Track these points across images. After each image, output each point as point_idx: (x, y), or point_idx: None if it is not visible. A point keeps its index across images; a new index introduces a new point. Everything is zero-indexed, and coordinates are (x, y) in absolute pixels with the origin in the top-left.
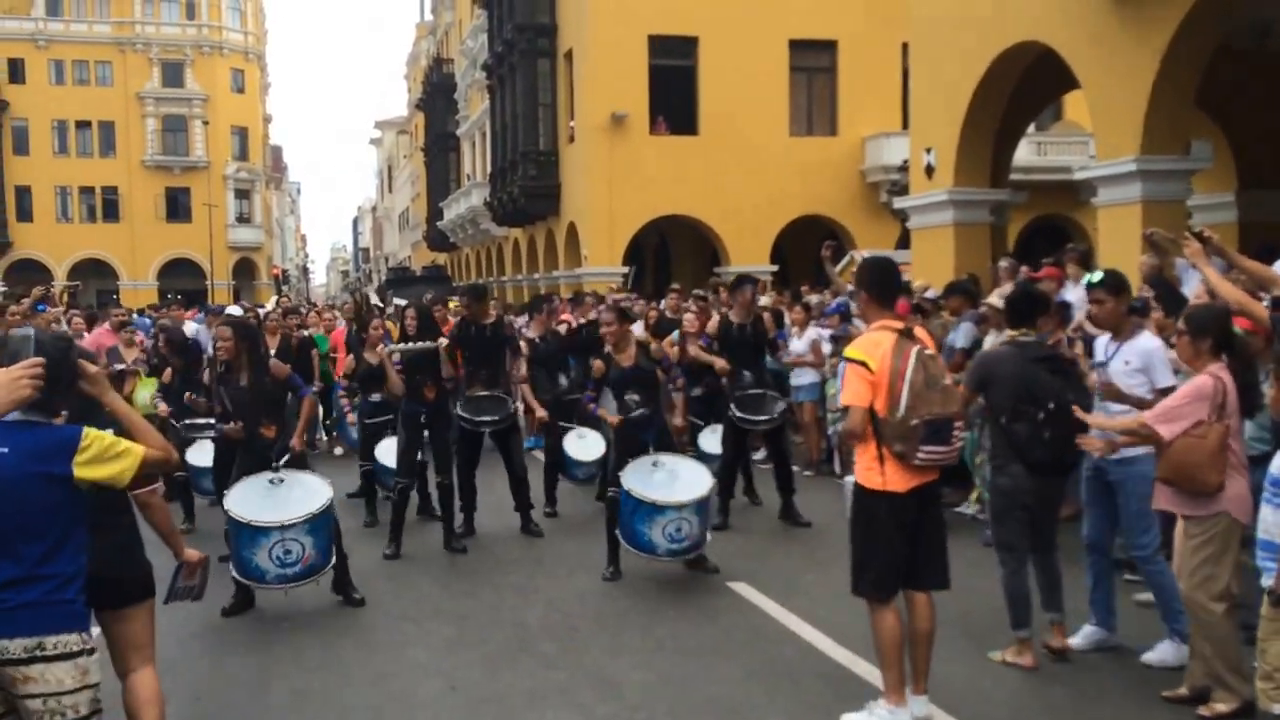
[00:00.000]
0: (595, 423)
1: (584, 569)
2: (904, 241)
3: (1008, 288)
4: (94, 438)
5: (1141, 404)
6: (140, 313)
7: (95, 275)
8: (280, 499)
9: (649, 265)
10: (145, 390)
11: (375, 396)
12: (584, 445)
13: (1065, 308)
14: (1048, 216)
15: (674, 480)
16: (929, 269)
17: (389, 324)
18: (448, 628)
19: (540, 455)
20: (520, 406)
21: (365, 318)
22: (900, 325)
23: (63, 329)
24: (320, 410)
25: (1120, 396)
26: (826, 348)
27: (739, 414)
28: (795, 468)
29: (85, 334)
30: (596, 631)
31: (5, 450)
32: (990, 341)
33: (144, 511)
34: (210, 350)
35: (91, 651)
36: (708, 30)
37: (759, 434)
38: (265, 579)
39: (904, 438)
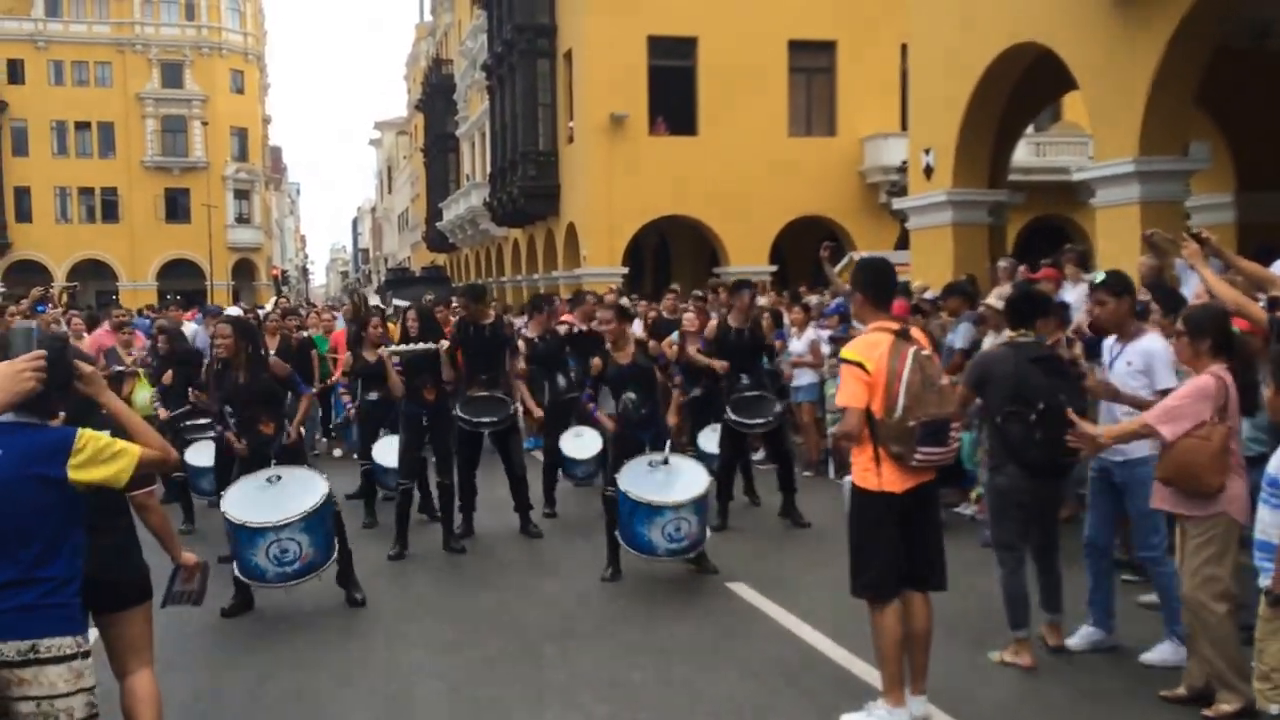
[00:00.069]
0: (593, 421)
1: (583, 570)
2: (903, 242)
3: (1006, 288)
4: (89, 439)
5: (1139, 405)
6: (140, 313)
7: (95, 276)
8: (278, 497)
9: (648, 266)
10: (144, 391)
11: (373, 395)
12: (581, 444)
13: (1064, 308)
14: (1046, 217)
15: (672, 480)
16: (928, 270)
17: (390, 325)
18: (447, 628)
19: (540, 456)
20: (519, 407)
21: (364, 317)
22: (896, 326)
23: (62, 329)
24: (319, 411)
25: (1117, 397)
26: (825, 348)
27: (734, 417)
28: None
29: (85, 335)
30: (596, 632)
31: (0, 453)
32: (989, 342)
33: (141, 514)
34: (209, 350)
35: (86, 655)
36: (707, 31)
37: (758, 435)
38: (266, 578)
39: (901, 439)
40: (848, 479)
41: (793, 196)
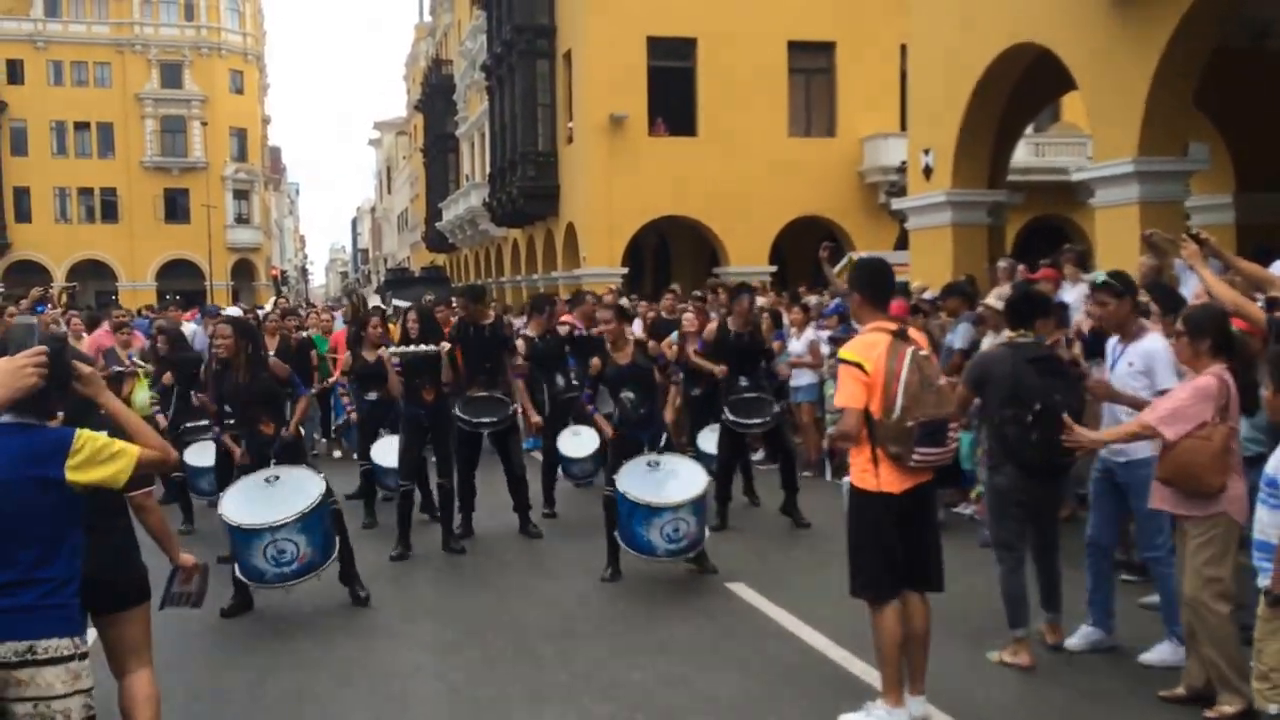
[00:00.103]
0: (591, 420)
1: (583, 570)
2: (902, 242)
3: (1005, 289)
4: (87, 439)
5: (1138, 405)
6: (139, 314)
7: (94, 276)
8: (275, 498)
9: (648, 266)
10: (144, 391)
11: (372, 395)
12: (578, 442)
13: (1062, 309)
14: (1045, 217)
15: (670, 480)
16: (927, 270)
17: (390, 325)
18: (447, 629)
19: (539, 456)
20: (519, 407)
21: (363, 318)
22: (894, 326)
23: (61, 330)
24: (318, 411)
25: (1114, 397)
26: (825, 349)
27: (731, 417)
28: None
29: (84, 335)
30: (595, 632)
31: None
32: (988, 342)
33: (139, 514)
34: (208, 351)
35: (84, 656)
36: (706, 31)
37: (757, 435)
38: (265, 579)
39: (899, 439)
40: (846, 479)
41: (792, 197)
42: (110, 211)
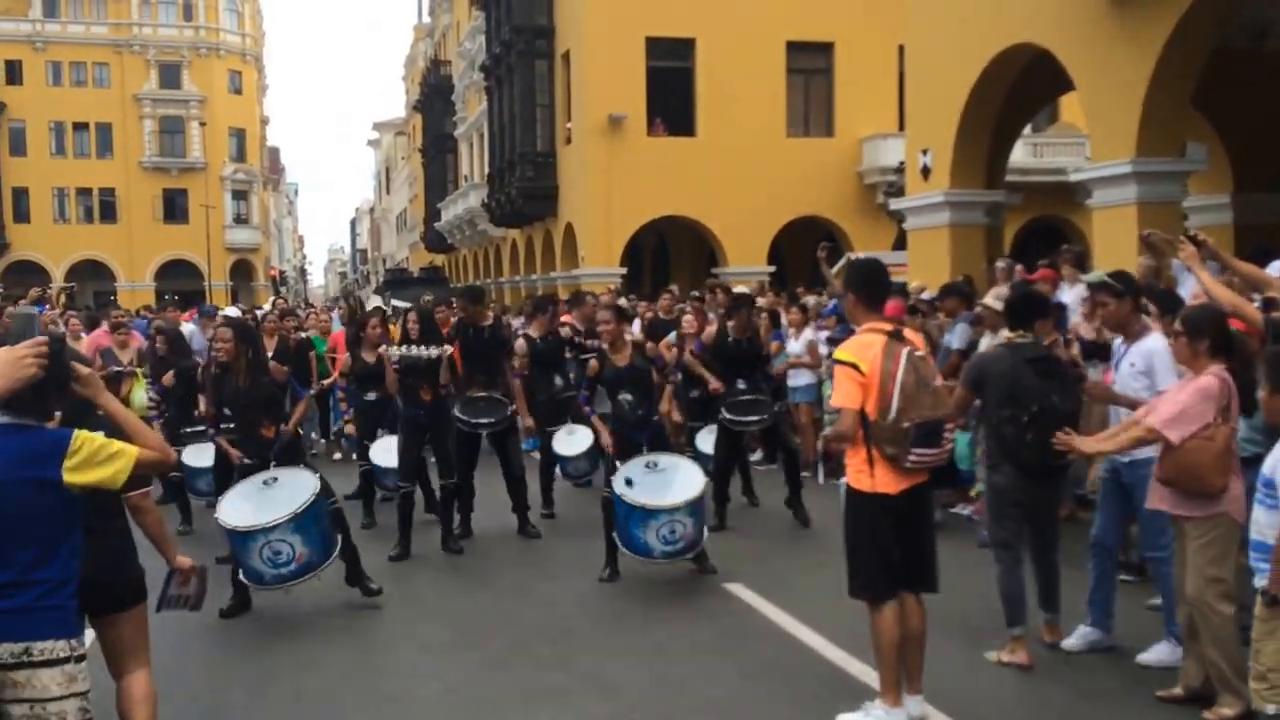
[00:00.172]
0: (589, 423)
1: (581, 570)
2: (900, 242)
3: (1004, 289)
4: (84, 440)
5: (1133, 406)
6: (137, 314)
7: (93, 276)
8: (273, 499)
9: (647, 266)
10: (141, 391)
11: (371, 396)
12: (572, 441)
13: (1060, 309)
14: (1044, 218)
15: (668, 481)
16: (925, 270)
17: (390, 326)
18: (445, 629)
19: (538, 456)
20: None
21: (361, 319)
22: (889, 327)
23: (60, 330)
24: (317, 411)
25: (1111, 398)
26: (824, 349)
27: (728, 416)
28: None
29: (83, 335)
30: (593, 633)
31: None
32: (986, 343)
33: (135, 515)
34: (206, 351)
35: (81, 658)
36: (705, 32)
37: (755, 435)
38: (265, 581)
39: (895, 440)
40: (844, 480)
41: (791, 197)
42: (109, 212)
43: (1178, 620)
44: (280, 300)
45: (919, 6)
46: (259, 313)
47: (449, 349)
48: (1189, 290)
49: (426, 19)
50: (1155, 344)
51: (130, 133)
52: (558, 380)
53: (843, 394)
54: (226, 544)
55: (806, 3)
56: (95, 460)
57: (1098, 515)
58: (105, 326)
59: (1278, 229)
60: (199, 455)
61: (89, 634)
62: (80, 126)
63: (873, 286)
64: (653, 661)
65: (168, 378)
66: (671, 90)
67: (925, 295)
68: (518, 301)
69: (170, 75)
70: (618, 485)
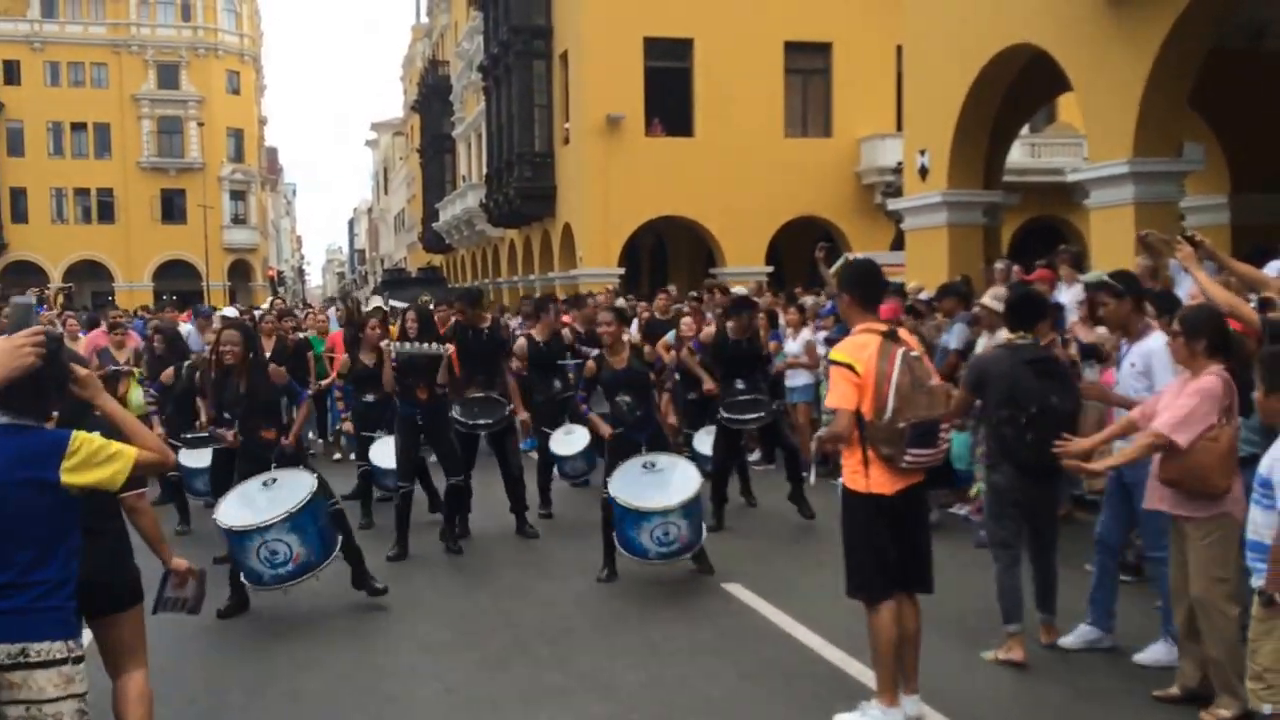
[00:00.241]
0: (587, 422)
1: (579, 571)
2: (898, 243)
3: (1001, 289)
4: (83, 441)
5: (1128, 406)
6: (135, 314)
7: (91, 277)
8: (270, 500)
9: (645, 266)
10: (138, 391)
11: (369, 397)
12: (569, 440)
13: (1058, 310)
14: (1041, 218)
15: (664, 482)
16: (923, 270)
17: (390, 327)
18: (443, 629)
19: (536, 456)
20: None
21: (359, 320)
22: (884, 327)
23: (57, 330)
24: (314, 411)
25: (1106, 398)
26: (822, 349)
27: (726, 415)
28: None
29: (81, 335)
30: (592, 633)
31: None
32: (983, 343)
33: (131, 516)
34: (205, 352)
35: (79, 660)
36: (703, 32)
37: (753, 435)
38: (263, 581)
39: (891, 441)
40: (840, 480)
41: (789, 197)
42: (107, 212)
43: (1175, 621)
44: (278, 300)
45: (917, 7)
46: (256, 313)
47: (449, 348)
48: (1186, 290)
49: (424, 19)
50: (1154, 344)
51: (128, 133)
52: (556, 383)
53: (838, 395)
54: (225, 544)
55: (804, 3)
56: (94, 461)
57: (1102, 513)
58: (104, 327)
59: (1275, 229)
60: (197, 455)
61: (86, 635)
62: (78, 127)
63: (867, 287)
64: (651, 661)
65: (167, 374)
66: (669, 90)
67: (923, 295)
68: (516, 302)
69: (168, 75)
70: (613, 486)
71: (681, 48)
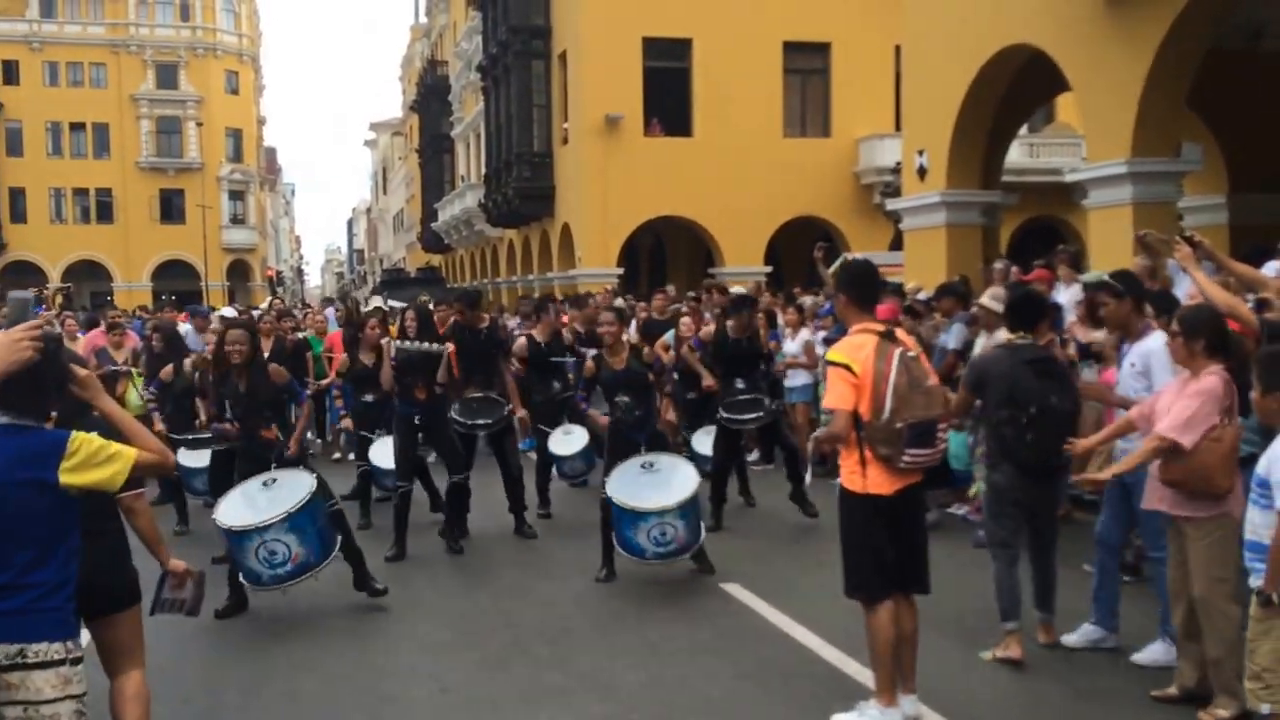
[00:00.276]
0: (584, 419)
1: (578, 571)
2: (897, 243)
3: (999, 289)
4: (82, 442)
5: (1126, 406)
6: (133, 315)
7: (89, 277)
8: (270, 500)
9: (644, 266)
10: (136, 391)
11: (368, 397)
12: (568, 441)
13: (1056, 310)
14: (1040, 218)
15: (662, 482)
16: (921, 270)
17: (390, 327)
18: (442, 629)
19: (535, 456)
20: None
21: (359, 321)
22: (880, 327)
23: (56, 331)
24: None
25: (1103, 398)
26: (820, 349)
27: (725, 415)
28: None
29: (79, 336)
30: (591, 633)
31: None
32: (981, 343)
33: (128, 517)
34: (204, 351)
35: (77, 661)
36: (702, 32)
37: (752, 435)
38: (262, 581)
39: (889, 441)
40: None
41: (787, 197)
42: (105, 212)
43: (1173, 621)
44: (277, 300)
45: (915, 7)
46: (255, 313)
47: (449, 346)
48: (1184, 291)
49: (423, 19)
50: (1153, 344)
51: (127, 133)
52: (555, 383)
53: (835, 395)
54: (224, 544)
55: (803, 3)
56: (93, 462)
57: (1102, 513)
58: (103, 327)
59: (1273, 229)
60: (195, 455)
61: (84, 635)
62: (77, 126)
63: (864, 287)
64: (650, 661)
65: (166, 371)
66: (668, 90)
67: (921, 296)
68: (514, 302)
69: (167, 75)
70: (611, 486)
71: (680, 48)
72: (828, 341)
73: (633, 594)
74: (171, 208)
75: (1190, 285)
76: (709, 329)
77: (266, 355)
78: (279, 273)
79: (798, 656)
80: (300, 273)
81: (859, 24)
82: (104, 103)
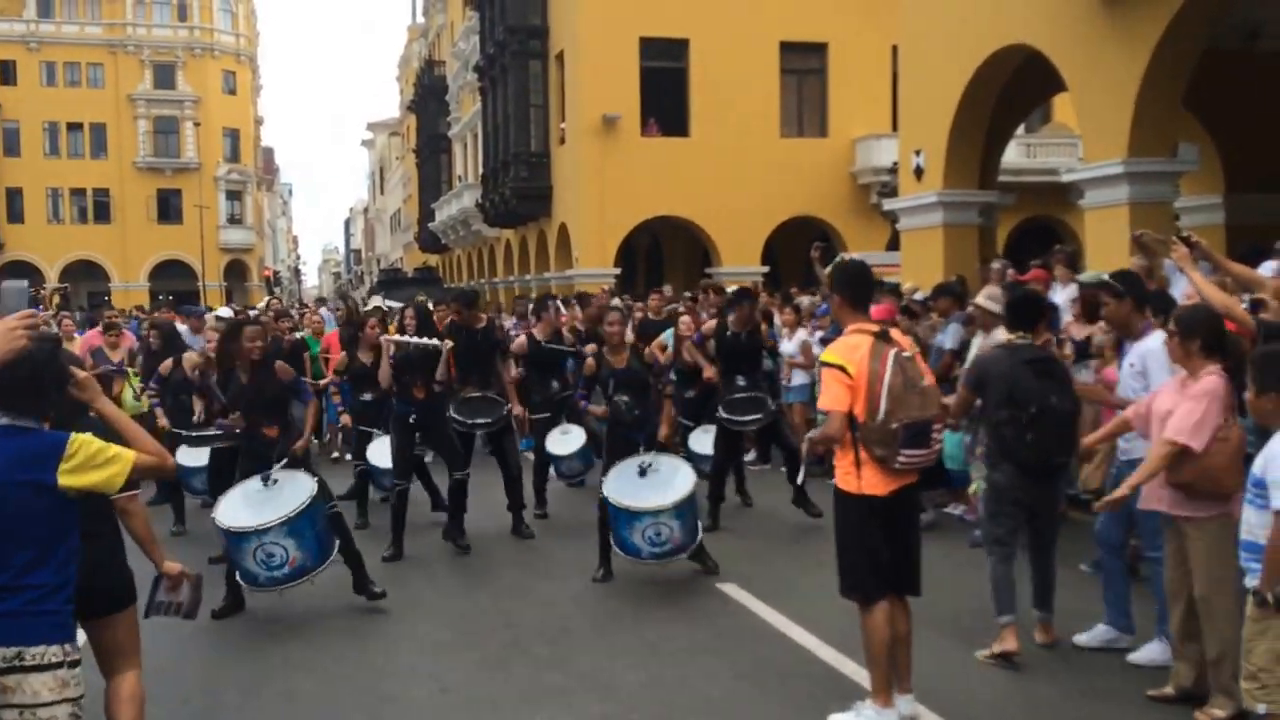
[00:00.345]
0: (581, 418)
1: (576, 571)
2: (894, 243)
3: (995, 289)
4: (81, 444)
5: (1123, 406)
6: (130, 314)
7: (87, 277)
8: (270, 501)
9: (641, 267)
10: (131, 392)
11: (367, 396)
12: (565, 440)
13: (1052, 310)
14: (1037, 218)
15: (660, 483)
16: (918, 270)
17: (389, 327)
18: (440, 629)
19: (532, 456)
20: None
21: (360, 319)
22: (875, 328)
23: (53, 331)
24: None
25: (1099, 398)
26: (817, 349)
27: (725, 415)
28: (783, 470)
29: (76, 336)
30: (590, 633)
31: None
32: (978, 343)
33: (122, 518)
34: (204, 348)
35: (75, 664)
36: (698, 32)
37: (750, 435)
38: (258, 582)
39: (884, 442)
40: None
41: (784, 197)
42: (103, 212)
43: (1170, 621)
44: (275, 300)
45: (912, 8)
46: (251, 313)
47: (448, 343)
48: (1181, 291)
49: (420, 19)
50: (1151, 344)
51: (124, 133)
52: (554, 383)
53: (830, 397)
54: (222, 544)
55: (800, 3)
56: (92, 464)
57: (1102, 513)
58: (100, 327)
59: (1269, 229)
60: (194, 454)
61: (80, 636)
62: (74, 127)
63: (858, 287)
64: (650, 661)
65: (165, 365)
66: (665, 90)
67: (918, 296)
68: (511, 302)
69: (164, 75)
70: (608, 485)
71: (677, 48)
72: (824, 342)
73: (631, 594)
74: (169, 208)
75: (1187, 285)
76: (711, 324)
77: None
78: (276, 273)
79: (795, 657)
80: (297, 273)
81: (856, 24)
82: (101, 103)
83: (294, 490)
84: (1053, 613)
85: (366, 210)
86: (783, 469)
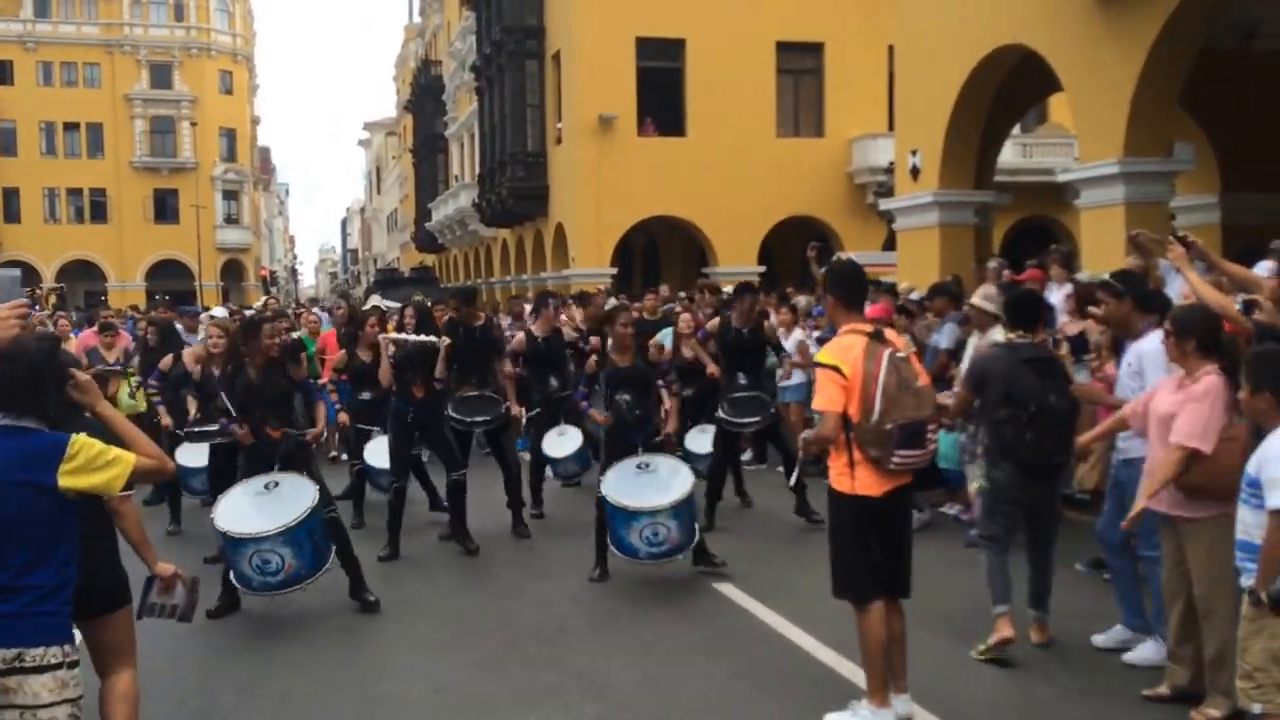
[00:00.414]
0: (580, 419)
1: (573, 571)
2: (890, 243)
3: (991, 289)
4: (82, 445)
5: (1117, 405)
6: (126, 314)
7: (83, 277)
8: (270, 505)
9: (637, 266)
10: (126, 391)
11: (365, 395)
12: (561, 442)
13: (1048, 310)
14: (1033, 218)
15: (658, 483)
16: (914, 270)
17: (388, 327)
18: (436, 629)
19: (528, 456)
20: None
21: (360, 318)
22: (869, 328)
23: (50, 331)
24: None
25: (1097, 399)
26: (814, 349)
27: (725, 415)
28: (779, 469)
29: (72, 335)
30: (586, 632)
31: None
32: (974, 342)
33: (116, 519)
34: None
35: (74, 664)
36: (695, 32)
37: (748, 436)
38: (253, 586)
39: (879, 442)
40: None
41: (781, 197)
42: (99, 212)
43: (1168, 621)
44: (271, 300)
45: (909, 7)
46: (247, 313)
47: (446, 340)
48: (1177, 290)
49: (417, 19)
50: (1148, 344)
51: (121, 133)
52: (553, 381)
53: (824, 397)
54: (218, 544)
55: (796, 3)
56: (92, 466)
57: (1103, 513)
58: (96, 327)
59: (1266, 229)
60: (192, 454)
61: (76, 636)
62: (71, 126)
63: (851, 287)
64: (646, 661)
65: (165, 361)
66: (661, 90)
67: (914, 295)
68: (507, 302)
69: (161, 75)
70: (606, 485)
71: (673, 48)
72: (821, 341)
73: (628, 594)
74: (165, 207)
75: (1183, 285)
76: (714, 321)
77: None
78: (273, 272)
79: (792, 657)
80: (294, 272)
81: (852, 24)
82: (98, 102)
83: (295, 495)
84: (1048, 613)
85: (363, 210)
86: (779, 469)
